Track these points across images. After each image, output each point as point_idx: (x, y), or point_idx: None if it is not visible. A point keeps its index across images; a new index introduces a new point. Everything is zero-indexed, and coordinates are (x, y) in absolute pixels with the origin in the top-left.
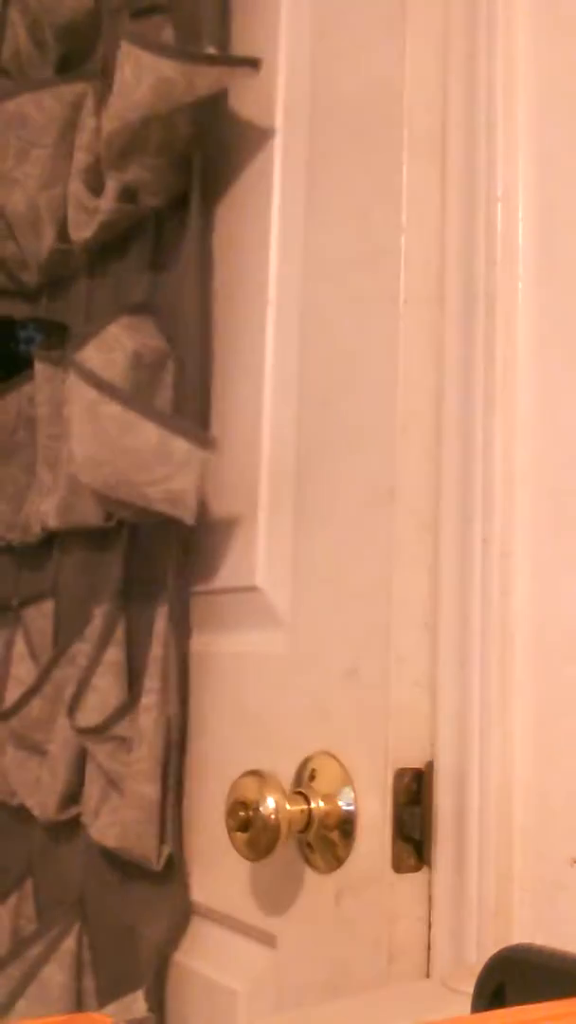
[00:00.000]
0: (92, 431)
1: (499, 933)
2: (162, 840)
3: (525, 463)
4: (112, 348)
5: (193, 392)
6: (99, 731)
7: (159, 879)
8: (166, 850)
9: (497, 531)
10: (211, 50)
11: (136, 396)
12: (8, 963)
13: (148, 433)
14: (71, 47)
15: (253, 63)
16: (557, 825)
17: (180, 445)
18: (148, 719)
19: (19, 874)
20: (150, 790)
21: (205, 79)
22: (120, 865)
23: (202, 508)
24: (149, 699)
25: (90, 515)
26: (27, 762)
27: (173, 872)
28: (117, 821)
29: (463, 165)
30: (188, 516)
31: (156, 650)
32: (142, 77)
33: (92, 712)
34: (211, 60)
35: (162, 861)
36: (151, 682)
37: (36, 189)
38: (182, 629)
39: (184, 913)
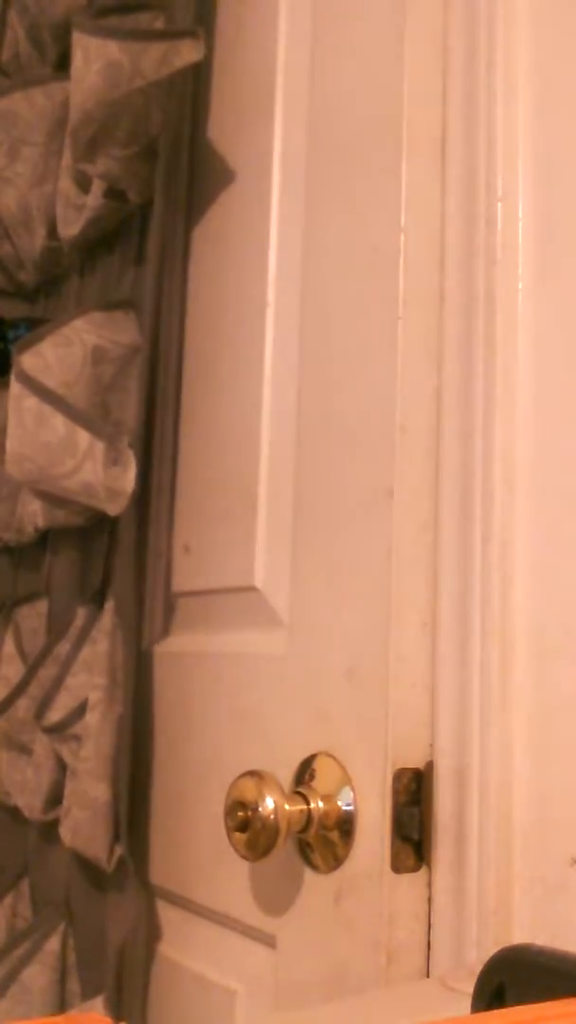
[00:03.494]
0: (15, 425)
1: (499, 933)
2: (116, 840)
3: (525, 463)
4: (71, 343)
5: (147, 385)
6: (58, 729)
7: (119, 881)
8: (118, 851)
9: (497, 531)
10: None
11: (50, 390)
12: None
13: (57, 426)
14: (68, 46)
15: (194, 34)
16: (557, 825)
17: (83, 437)
18: (94, 716)
19: (15, 873)
20: (99, 790)
21: (151, 59)
22: (94, 866)
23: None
24: (95, 696)
25: (70, 514)
26: (17, 762)
27: (129, 874)
28: (70, 820)
29: (463, 165)
30: (110, 507)
31: (102, 646)
32: (91, 63)
33: (62, 711)
34: (151, 35)
35: (113, 862)
36: (98, 678)
37: (27, 187)
38: (130, 626)
39: (139, 916)
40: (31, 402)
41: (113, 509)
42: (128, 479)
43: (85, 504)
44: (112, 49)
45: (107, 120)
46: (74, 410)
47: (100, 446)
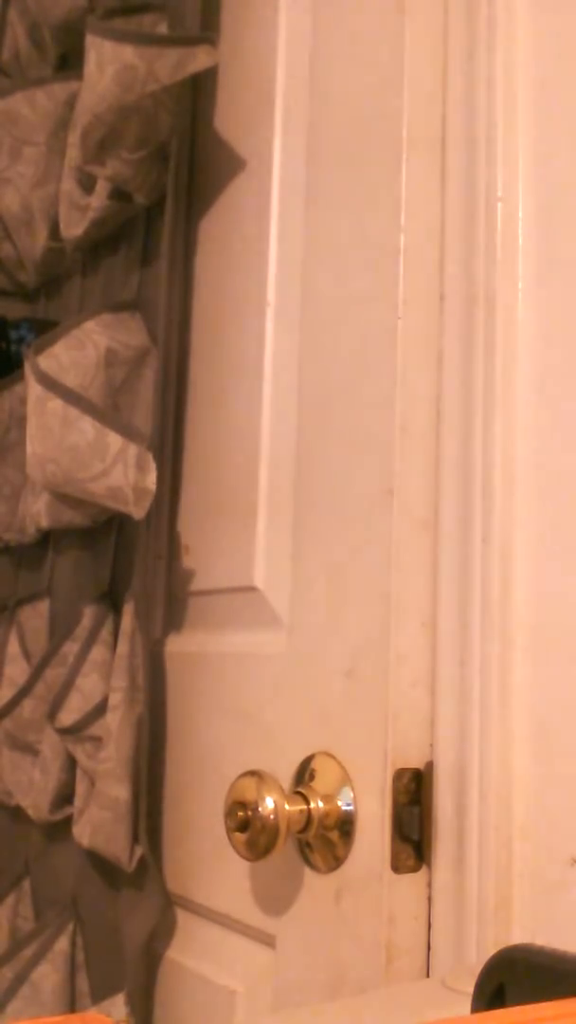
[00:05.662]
0: (38, 427)
1: (499, 933)
2: (135, 840)
3: (525, 463)
4: (84, 345)
5: (160, 387)
6: (75, 731)
7: (137, 880)
8: (139, 851)
9: (497, 531)
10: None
11: (76, 392)
12: (4, 964)
13: (86, 428)
14: (69, 47)
15: (210, 40)
16: (557, 825)
17: (114, 440)
18: (115, 718)
19: (17, 874)
20: (119, 791)
21: (165, 64)
22: (107, 865)
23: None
24: (116, 698)
25: (78, 515)
26: (21, 762)
27: (149, 873)
28: (89, 821)
29: (463, 165)
30: (135, 511)
31: (123, 647)
32: (105, 67)
33: (74, 712)
34: (167, 41)
35: (134, 862)
36: (118, 680)
37: (29, 188)
38: (148, 627)
39: (160, 914)
40: (55, 404)
41: (139, 512)
42: (151, 481)
43: (108, 507)
44: (128, 53)
45: (117, 123)
46: (104, 413)
47: (133, 449)
